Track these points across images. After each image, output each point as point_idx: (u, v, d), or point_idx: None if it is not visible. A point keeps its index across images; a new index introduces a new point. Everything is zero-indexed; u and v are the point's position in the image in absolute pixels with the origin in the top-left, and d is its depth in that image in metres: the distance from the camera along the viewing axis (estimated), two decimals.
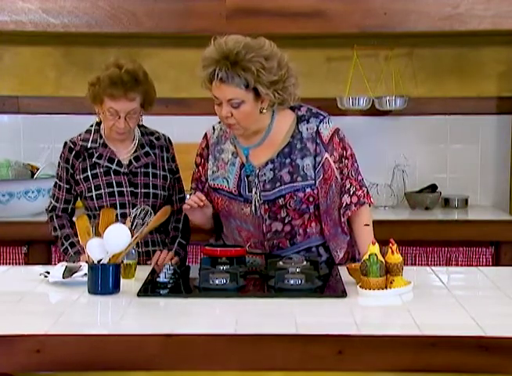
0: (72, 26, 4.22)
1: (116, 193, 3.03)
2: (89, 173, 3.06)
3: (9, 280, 2.80)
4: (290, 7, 4.18)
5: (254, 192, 2.82)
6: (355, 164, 2.91)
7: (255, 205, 2.83)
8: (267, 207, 2.83)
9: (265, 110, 2.75)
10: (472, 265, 4.14)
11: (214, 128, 2.97)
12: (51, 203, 3.13)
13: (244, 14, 4.16)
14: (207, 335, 2.07)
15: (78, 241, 3.00)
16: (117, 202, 3.03)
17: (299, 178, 2.80)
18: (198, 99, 4.33)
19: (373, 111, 4.59)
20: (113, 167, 3.06)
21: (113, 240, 2.52)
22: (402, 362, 2.04)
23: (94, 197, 3.03)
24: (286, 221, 2.85)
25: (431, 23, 4.20)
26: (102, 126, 3.10)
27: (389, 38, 4.55)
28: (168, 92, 4.54)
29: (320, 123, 2.84)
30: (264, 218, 2.84)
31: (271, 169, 2.81)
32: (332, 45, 4.64)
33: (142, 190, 3.06)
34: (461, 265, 4.17)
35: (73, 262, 2.83)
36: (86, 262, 2.57)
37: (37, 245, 4.07)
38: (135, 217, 2.68)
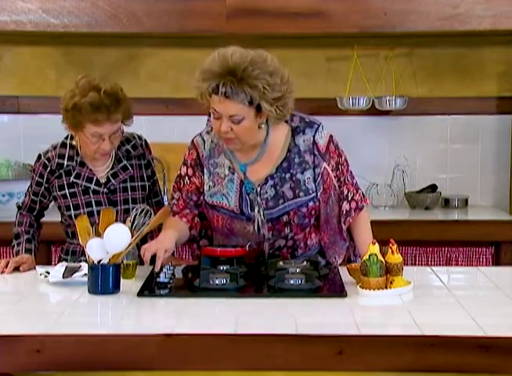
0: (72, 26, 4.22)
1: (95, 212, 2.96)
2: (67, 191, 3.01)
3: (10, 280, 2.80)
4: (290, 7, 4.18)
5: (256, 211, 2.78)
6: (349, 168, 2.89)
7: (258, 224, 2.80)
8: (270, 225, 2.80)
9: (263, 125, 2.70)
10: (472, 265, 4.14)
11: (203, 138, 2.86)
12: (21, 202, 3.11)
13: (244, 14, 4.16)
14: (207, 335, 2.08)
15: (28, 240, 3.02)
16: (97, 221, 2.97)
17: (301, 194, 2.77)
18: None
19: (373, 111, 4.59)
20: (92, 186, 3.01)
21: (113, 240, 2.52)
22: (402, 362, 2.04)
23: (73, 215, 2.99)
24: (289, 237, 2.84)
25: (431, 23, 4.20)
26: (77, 138, 2.99)
27: (389, 38, 4.55)
28: (168, 92, 4.56)
29: (316, 132, 2.79)
30: (267, 236, 2.82)
31: (272, 186, 2.77)
32: (332, 45, 4.64)
33: (122, 207, 3.01)
34: (461, 265, 4.17)
35: (74, 262, 2.84)
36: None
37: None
38: (135, 217, 2.68)
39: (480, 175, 4.73)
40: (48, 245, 4.08)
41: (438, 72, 4.68)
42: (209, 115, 2.75)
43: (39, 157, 3.05)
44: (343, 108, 4.57)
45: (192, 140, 2.89)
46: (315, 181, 2.78)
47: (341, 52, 4.64)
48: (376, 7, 4.19)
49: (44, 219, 3.16)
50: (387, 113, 4.66)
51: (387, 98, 4.54)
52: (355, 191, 2.88)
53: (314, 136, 2.79)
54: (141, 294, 2.48)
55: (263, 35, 4.36)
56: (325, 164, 2.80)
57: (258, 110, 2.63)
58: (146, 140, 3.14)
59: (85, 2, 4.20)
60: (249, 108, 2.61)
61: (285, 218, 2.79)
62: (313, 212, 2.81)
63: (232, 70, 2.57)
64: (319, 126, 2.81)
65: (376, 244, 2.51)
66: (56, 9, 4.20)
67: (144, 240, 3.03)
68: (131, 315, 2.33)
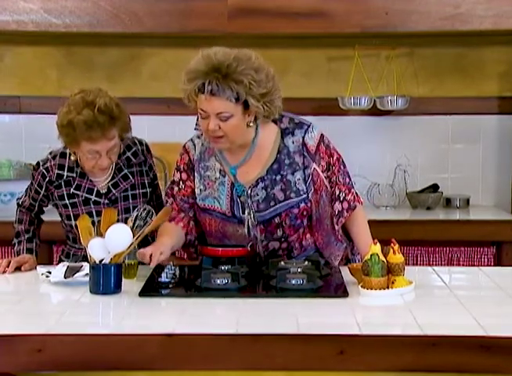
0: (74, 26, 4.22)
1: (96, 222, 2.89)
2: (67, 202, 2.99)
3: (11, 280, 2.80)
4: (291, 7, 4.18)
5: (247, 213, 2.78)
6: (342, 168, 2.86)
7: (248, 227, 2.79)
8: (262, 227, 2.79)
9: (251, 124, 2.69)
10: (474, 265, 4.14)
11: (193, 143, 2.87)
12: (21, 200, 3.09)
13: (246, 14, 4.16)
14: (208, 335, 2.07)
15: (28, 239, 3.01)
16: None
17: (292, 195, 2.77)
18: None
19: (374, 111, 4.59)
20: (93, 198, 2.98)
21: (115, 239, 2.52)
22: (404, 362, 2.04)
23: (73, 225, 2.96)
24: (282, 239, 2.82)
25: (433, 22, 4.20)
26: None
27: (390, 38, 4.55)
28: (170, 92, 4.54)
29: (305, 133, 2.78)
30: (259, 238, 2.81)
31: (262, 188, 2.77)
32: (333, 44, 4.65)
33: (123, 215, 2.94)
34: (463, 265, 4.17)
35: (75, 262, 2.84)
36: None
37: None
38: (136, 217, 2.68)
39: (481, 174, 4.73)
40: (50, 245, 4.08)
41: (440, 72, 4.69)
42: (197, 119, 2.74)
43: (38, 165, 3.01)
44: (344, 108, 4.57)
45: (184, 145, 2.90)
46: (305, 182, 2.77)
47: (343, 52, 4.64)
48: (377, 7, 4.20)
49: (45, 219, 3.16)
50: (388, 113, 4.66)
51: (389, 98, 4.54)
52: (347, 191, 2.86)
53: (303, 137, 2.78)
54: (142, 294, 2.48)
55: (264, 35, 4.36)
56: (315, 165, 2.79)
57: (246, 107, 2.63)
58: (147, 144, 3.10)
59: (87, 2, 4.20)
60: (236, 105, 2.61)
61: (277, 219, 2.79)
62: (305, 213, 2.80)
63: (217, 67, 2.58)
64: (308, 127, 2.80)
65: (378, 243, 2.50)
66: (58, 9, 4.20)
67: (145, 240, 3.04)
68: (132, 315, 2.32)
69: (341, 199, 2.84)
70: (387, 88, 4.65)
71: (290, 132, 2.79)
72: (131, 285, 2.59)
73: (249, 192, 2.78)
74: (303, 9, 4.18)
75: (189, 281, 2.65)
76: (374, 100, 4.56)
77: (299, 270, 2.56)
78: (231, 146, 2.73)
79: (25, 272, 2.87)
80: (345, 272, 2.68)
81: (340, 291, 2.50)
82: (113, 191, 3.00)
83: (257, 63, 2.63)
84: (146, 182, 3.06)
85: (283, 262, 2.67)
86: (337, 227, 2.86)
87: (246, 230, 2.80)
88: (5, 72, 4.71)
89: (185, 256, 3.05)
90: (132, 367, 2.08)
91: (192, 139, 2.89)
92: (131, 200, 3.02)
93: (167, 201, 2.92)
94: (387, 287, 2.48)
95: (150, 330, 2.11)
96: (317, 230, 2.85)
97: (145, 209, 2.71)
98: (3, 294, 2.64)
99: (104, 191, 2.99)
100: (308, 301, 2.40)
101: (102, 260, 2.51)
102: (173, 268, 2.68)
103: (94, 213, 2.97)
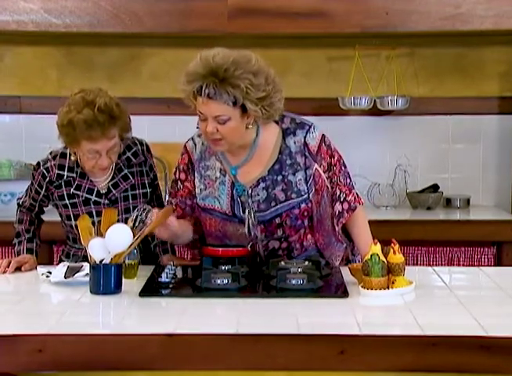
0: (74, 26, 4.22)
1: (96, 222, 2.87)
2: (67, 202, 2.99)
3: (11, 280, 2.80)
4: (291, 7, 4.18)
5: (247, 213, 2.78)
6: (343, 168, 2.86)
7: (248, 226, 2.79)
8: (263, 227, 2.79)
9: (250, 126, 2.68)
10: (474, 266, 4.14)
11: (194, 142, 2.87)
12: (21, 200, 3.09)
13: (246, 14, 4.16)
14: (208, 335, 2.07)
15: (29, 239, 3.02)
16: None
17: (293, 195, 2.76)
18: None
19: (374, 111, 4.59)
20: (93, 198, 2.98)
21: (115, 239, 2.52)
22: (404, 362, 2.04)
23: (73, 225, 2.97)
24: (282, 239, 2.82)
25: (433, 22, 4.21)
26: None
27: (391, 38, 4.55)
28: (170, 92, 4.55)
29: (307, 133, 2.77)
30: (260, 238, 2.81)
31: (263, 188, 2.76)
32: (334, 44, 4.65)
33: (123, 216, 2.94)
34: (463, 266, 4.17)
35: (75, 262, 2.84)
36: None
37: None
38: (136, 217, 2.68)
39: (482, 174, 4.73)
40: (50, 245, 4.08)
41: (440, 72, 4.69)
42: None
43: (38, 165, 3.01)
44: (344, 108, 4.57)
45: (185, 144, 2.90)
46: (306, 182, 2.77)
47: (343, 52, 4.64)
48: (377, 7, 4.20)
49: (45, 219, 3.16)
50: (388, 113, 4.66)
51: (389, 98, 4.54)
52: (347, 192, 2.86)
53: (305, 137, 2.78)
54: (143, 294, 2.48)
55: (264, 35, 4.36)
56: (316, 166, 2.78)
57: (244, 110, 2.62)
58: (147, 145, 3.10)
59: (87, 2, 4.20)
60: (233, 108, 2.60)
61: (277, 220, 2.78)
62: (306, 213, 2.80)
63: (215, 70, 2.57)
64: (310, 127, 2.80)
65: (378, 243, 2.50)
66: (58, 9, 4.20)
67: (145, 240, 3.04)
68: (132, 315, 2.33)
69: (342, 200, 2.84)
70: (387, 88, 4.65)
71: (291, 132, 2.79)
72: (132, 285, 2.59)
73: (249, 192, 2.78)
74: (303, 9, 4.18)
75: (190, 281, 2.65)
76: (374, 100, 4.56)
77: (299, 270, 2.56)
78: (230, 147, 2.73)
79: (25, 273, 2.87)
80: (345, 272, 2.68)
81: (341, 291, 2.50)
82: (114, 191, 3.00)
83: (257, 66, 2.62)
84: (147, 182, 3.06)
85: (283, 262, 2.67)
86: (337, 228, 2.86)
87: (246, 230, 2.80)
88: (6, 72, 4.71)
89: (189, 257, 3.04)
90: (133, 367, 2.08)
91: (192, 138, 2.89)
92: (131, 201, 3.02)
93: (170, 201, 2.92)
94: (388, 287, 2.48)
95: (151, 330, 2.11)
96: (318, 231, 2.85)
97: (145, 209, 2.71)
98: (3, 294, 2.65)
99: (104, 191, 3.00)
100: (309, 301, 2.40)
101: (103, 260, 2.51)
102: (173, 268, 2.68)
103: (94, 213, 2.97)
